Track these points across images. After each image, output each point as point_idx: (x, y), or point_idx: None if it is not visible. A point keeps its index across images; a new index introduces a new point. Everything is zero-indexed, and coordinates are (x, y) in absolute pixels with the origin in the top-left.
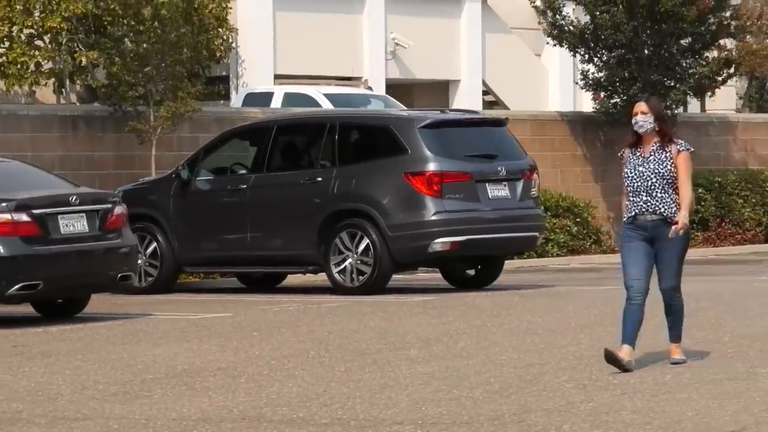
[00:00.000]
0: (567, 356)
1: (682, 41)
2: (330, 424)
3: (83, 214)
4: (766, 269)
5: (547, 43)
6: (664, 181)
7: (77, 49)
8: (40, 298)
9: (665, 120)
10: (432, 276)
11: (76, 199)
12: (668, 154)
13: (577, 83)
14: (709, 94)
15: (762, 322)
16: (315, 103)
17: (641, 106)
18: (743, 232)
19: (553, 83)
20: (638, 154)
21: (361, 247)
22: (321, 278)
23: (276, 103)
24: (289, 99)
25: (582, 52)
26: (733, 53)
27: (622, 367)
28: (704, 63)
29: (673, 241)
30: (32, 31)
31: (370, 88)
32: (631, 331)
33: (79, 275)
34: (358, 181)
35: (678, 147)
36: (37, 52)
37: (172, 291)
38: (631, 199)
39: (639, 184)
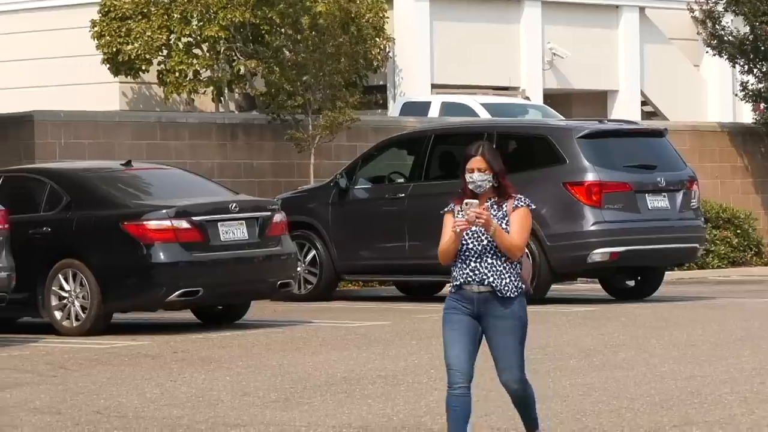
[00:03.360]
0: (728, 368)
1: None
2: None
3: (243, 222)
4: None
5: (706, 53)
6: (497, 245)
7: (235, 57)
8: (200, 305)
9: (504, 173)
10: (591, 287)
11: (235, 207)
12: (503, 212)
13: (736, 95)
14: None
15: None
16: (472, 113)
17: (477, 161)
18: None
19: (712, 94)
20: None
21: None
22: None
23: (433, 112)
24: (447, 108)
25: (741, 63)
26: None
27: None
28: None
29: (508, 320)
30: (190, 39)
31: (527, 98)
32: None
33: (239, 282)
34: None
35: (517, 203)
36: (195, 61)
37: (331, 299)
38: (458, 264)
39: (469, 246)
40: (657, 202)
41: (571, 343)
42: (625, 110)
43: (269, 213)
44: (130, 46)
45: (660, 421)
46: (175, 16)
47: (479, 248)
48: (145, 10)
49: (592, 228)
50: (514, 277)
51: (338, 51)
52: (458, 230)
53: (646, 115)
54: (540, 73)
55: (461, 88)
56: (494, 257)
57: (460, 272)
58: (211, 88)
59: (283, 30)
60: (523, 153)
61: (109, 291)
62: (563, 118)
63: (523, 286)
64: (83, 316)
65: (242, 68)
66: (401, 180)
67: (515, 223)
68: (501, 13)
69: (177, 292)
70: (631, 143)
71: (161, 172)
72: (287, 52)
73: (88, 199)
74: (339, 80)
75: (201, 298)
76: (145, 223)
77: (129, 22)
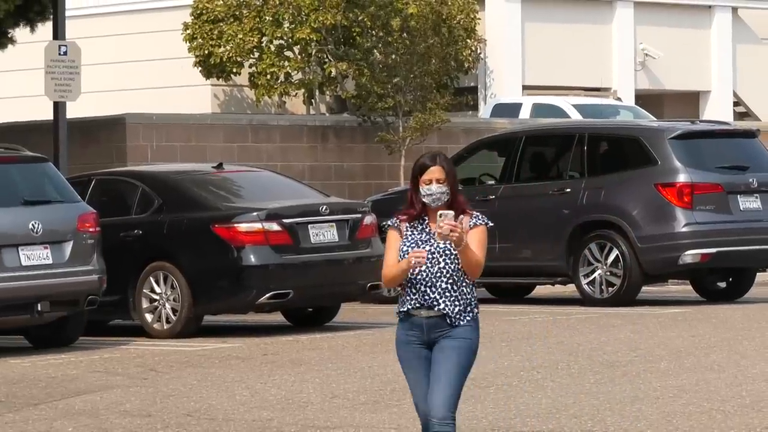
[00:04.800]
0: None
1: None
2: None
3: (333, 224)
4: None
5: None
6: (455, 266)
7: (327, 60)
8: (290, 307)
9: (457, 186)
10: (682, 288)
11: (326, 209)
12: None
13: None
14: None
15: None
16: (564, 114)
17: (435, 172)
18: None
19: None
20: (420, 228)
21: (611, 258)
22: (570, 289)
23: (524, 113)
24: (538, 110)
25: None
26: None
27: None
28: None
29: (454, 340)
30: (282, 42)
31: (619, 99)
32: None
33: (329, 284)
34: (607, 192)
35: (475, 221)
36: (286, 63)
37: None
38: (406, 290)
39: (422, 271)
40: (749, 203)
41: (662, 344)
42: (717, 111)
43: (359, 215)
44: (221, 49)
45: (750, 423)
46: (267, 18)
47: (434, 271)
48: (237, 13)
49: (684, 229)
50: (467, 304)
51: (429, 52)
52: (420, 263)
53: (738, 116)
54: (632, 73)
55: (552, 89)
56: (448, 282)
57: (408, 298)
58: (302, 90)
59: (373, 32)
60: (614, 154)
61: (200, 293)
62: (655, 119)
63: (477, 313)
64: (174, 318)
65: (333, 70)
66: (491, 182)
67: (475, 241)
68: (593, 13)
69: (267, 295)
70: (722, 144)
71: (252, 174)
72: (378, 54)
73: (180, 201)
74: (429, 82)
75: (291, 300)
76: (235, 225)
77: (221, 24)
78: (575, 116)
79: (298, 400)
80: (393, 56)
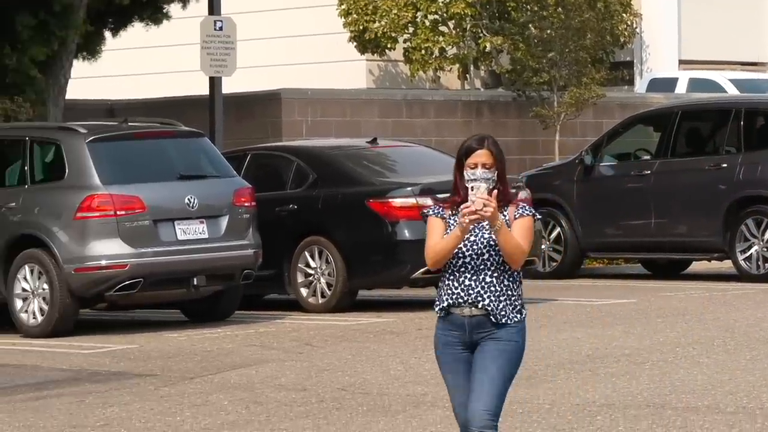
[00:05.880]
0: None
1: None
2: (735, 412)
3: None
4: None
5: None
6: (500, 260)
7: (481, 34)
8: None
9: (506, 173)
10: None
11: None
12: (505, 220)
13: None
14: None
15: None
16: (720, 89)
17: (482, 155)
18: None
19: None
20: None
21: None
22: (726, 265)
23: (681, 88)
24: (694, 84)
25: None
26: None
27: None
28: None
29: (499, 342)
30: (437, 16)
31: None
32: None
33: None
34: (763, 167)
35: (521, 211)
36: (441, 38)
37: (575, 276)
38: (446, 280)
39: (465, 259)
40: None
41: None
42: None
43: (514, 190)
44: (376, 24)
45: None
46: None
47: (478, 262)
48: None
49: None
50: (514, 302)
51: (584, 27)
52: (467, 221)
53: None
54: None
55: (709, 63)
56: (494, 275)
57: (448, 291)
58: (457, 65)
59: (528, 6)
60: None
61: (355, 268)
62: None
63: (525, 315)
64: (329, 292)
65: (488, 45)
66: (647, 157)
67: (518, 229)
68: None
69: (421, 270)
70: None
71: (406, 149)
72: (533, 29)
73: (334, 176)
74: (585, 56)
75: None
76: (390, 200)
77: (375, 0)
78: (732, 91)
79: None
80: (548, 31)
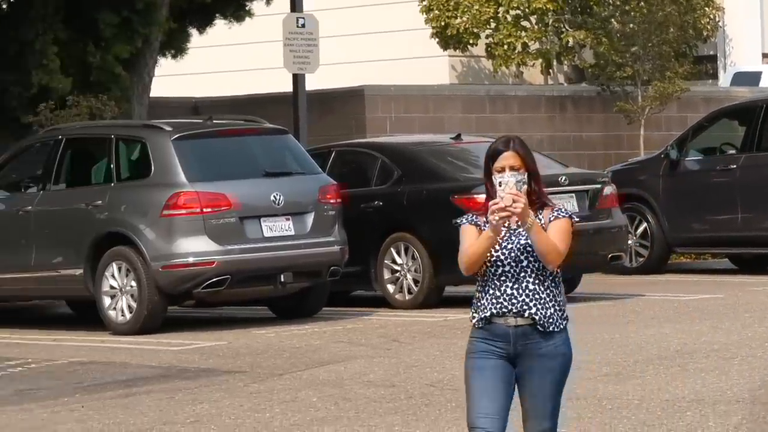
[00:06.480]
0: None
1: None
2: None
3: (573, 195)
4: None
5: None
6: (540, 265)
7: (564, 29)
8: None
9: (539, 176)
10: None
11: (565, 180)
12: (540, 223)
13: None
14: None
15: None
16: None
17: (509, 158)
18: None
19: None
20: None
21: None
22: None
23: (765, 82)
24: None
25: None
26: None
27: None
28: None
29: (549, 359)
30: (518, 12)
31: None
32: None
33: (571, 255)
34: None
35: (556, 213)
36: (523, 33)
37: (663, 272)
38: (486, 289)
39: (504, 267)
40: None
41: None
42: None
43: (599, 186)
44: (458, 20)
45: None
46: None
47: (517, 269)
48: None
49: None
50: (558, 308)
51: (667, 21)
52: (497, 218)
53: None
54: None
55: None
56: (536, 281)
57: (492, 300)
58: (540, 60)
59: (610, 0)
60: None
61: (441, 264)
62: None
63: (568, 316)
64: (415, 289)
65: (570, 40)
66: (732, 151)
67: (556, 233)
68: None
69: None
70: None
71: (488, 145)
72: (615, 23)
73: (419, 172)
74: (668, 50)
75: None
76: (475, 196)
77: None
78: None
79: None
80: (630, 25)
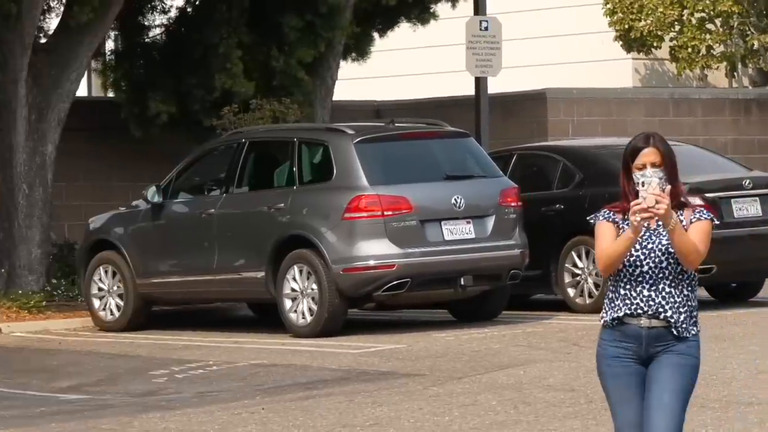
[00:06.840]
0: None
1: None
2: None
3: (757, 198)
4: None
5: None
6: (678, 268)
7: (749, 32)
8: (714, 282)
9: (676, 172)
10: None
11: (749, 183)
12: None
13: None
14: None
15: None
16: None
17: (650, 155)
18: None
19: None
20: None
21: None
22: None
23: None
24: None
25: None
26: None
27: None
28: None
29: (679, 356)
30: (703, 14)
31: None
32: None
33: (753, 259)
34: None
35: (698, 215)
36: (708, 36)
37: None
38: (621, 290)
39: (643, 269)
40: None
41: None
42: None
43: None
44: (642, 23)
45: None
46: None
47: (656, 271)
48: None
49: None
50: (692, 314)
51: None
52: (638, 219)
53: None
54: None
55: None
56: (672, 284)
57: (626, 301)
58: (724, 63)
59: None
60: None
61: None
62: None
63: (698, 324)
64: (596, 293)
65: (756, 43)
66: None
67: (697, 234)
68: None
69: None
70: None
71: (674, 148)
72: None
73: (601, 176)
74: None
75: (715, 275)
76: None
77: None
78: None
79: (721, 376)
80: None
